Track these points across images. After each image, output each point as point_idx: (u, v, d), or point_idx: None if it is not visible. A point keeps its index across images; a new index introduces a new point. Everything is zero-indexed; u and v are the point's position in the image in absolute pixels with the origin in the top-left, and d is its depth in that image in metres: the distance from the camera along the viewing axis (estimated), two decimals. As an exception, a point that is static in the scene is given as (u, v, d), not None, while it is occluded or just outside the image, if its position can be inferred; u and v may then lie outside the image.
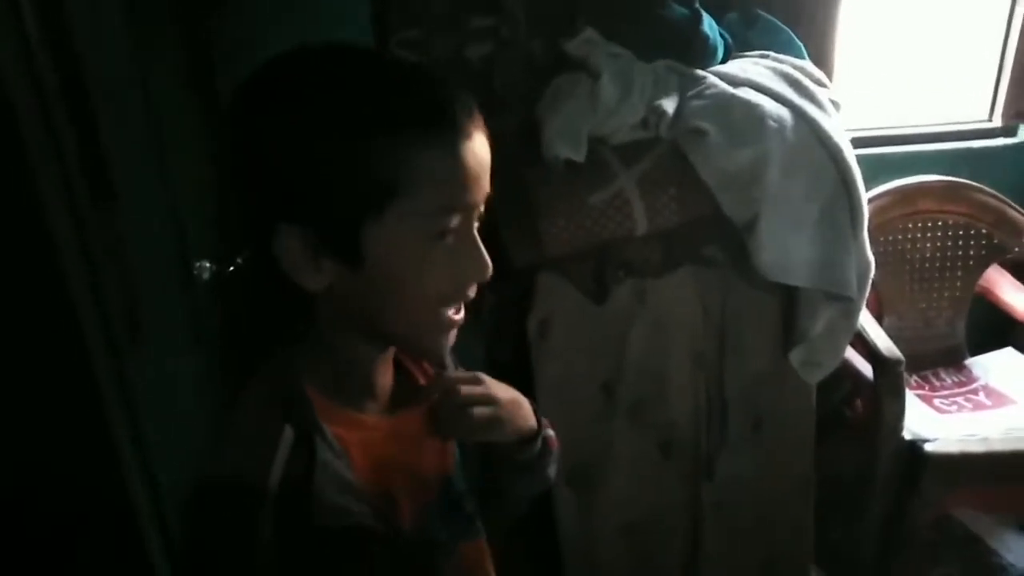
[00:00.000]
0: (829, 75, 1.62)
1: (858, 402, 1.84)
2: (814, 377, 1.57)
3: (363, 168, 0.60)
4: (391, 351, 0.74)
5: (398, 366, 0.76)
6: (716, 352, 1.53)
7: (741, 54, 1.56)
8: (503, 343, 1.52)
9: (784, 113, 1.41)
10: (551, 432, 0.84)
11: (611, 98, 1.37)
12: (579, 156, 1.36)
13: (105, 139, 0.95)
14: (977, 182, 1.96)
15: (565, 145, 1.38)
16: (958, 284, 1.95)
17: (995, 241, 1.93)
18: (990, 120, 2.11)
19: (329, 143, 0.60)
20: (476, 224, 0.67)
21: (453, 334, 0.70)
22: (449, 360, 0.81)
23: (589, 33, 1.49)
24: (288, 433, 0.63)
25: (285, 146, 0.61)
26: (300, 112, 0.61)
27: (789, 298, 1.51)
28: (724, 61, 1.54)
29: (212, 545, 0.62)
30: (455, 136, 0.62)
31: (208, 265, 1.08)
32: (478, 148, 0.64)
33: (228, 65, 1.36)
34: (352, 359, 0.70)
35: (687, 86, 1.44)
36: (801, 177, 1.40)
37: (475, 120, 0.64)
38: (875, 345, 1.62)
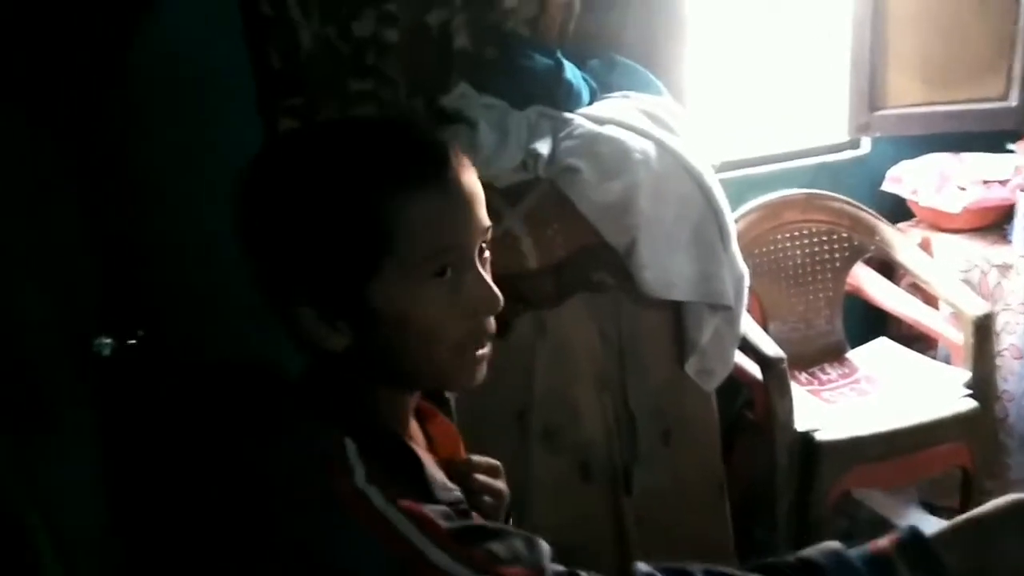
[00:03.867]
0: (685, 107, 1.77)
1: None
2: (710, 384, 1.68)
3: (352, 234, 0.64)
4: (416, 397, 0.76)
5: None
6: (618, 371, 1.62)
7: (605, 96, 1.70)
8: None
9: (648, 146, 1.54)
10: None
11: (489, 145, 1.47)
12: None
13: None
14: (835, 192, 2.16)
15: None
16: (830, 285, 2.13)
17: (855, 243, 2.12)
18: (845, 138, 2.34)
19: (313, 220, 0.64)
20: (483, 258, 0.70)
21: (484, 366, 0.72)
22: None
23: (463, 88, 1.59)
24: (349, 443, 0.64)
25: (277, 234, 0.66)
26: (285, 201, 0.65)
27: (677, 313, 1.63)
28: (591, 103, 1.67)
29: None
30: (433, 180, 0.65)
31: (108, 340, 1.10)
32: (457, 186, 0.66)
33: (111, 137, 1.39)
34: (384, 401, 0.72)
35: (559, 128, 1.55)
36: (670, 202, 1.53)
37: (452, 159, 0.67)
38: (758, 347, 1.75)
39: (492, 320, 0.71)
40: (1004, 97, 2.08)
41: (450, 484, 0.71)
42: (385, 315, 0.66)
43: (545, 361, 1.56)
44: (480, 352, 0.71)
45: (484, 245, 0.71)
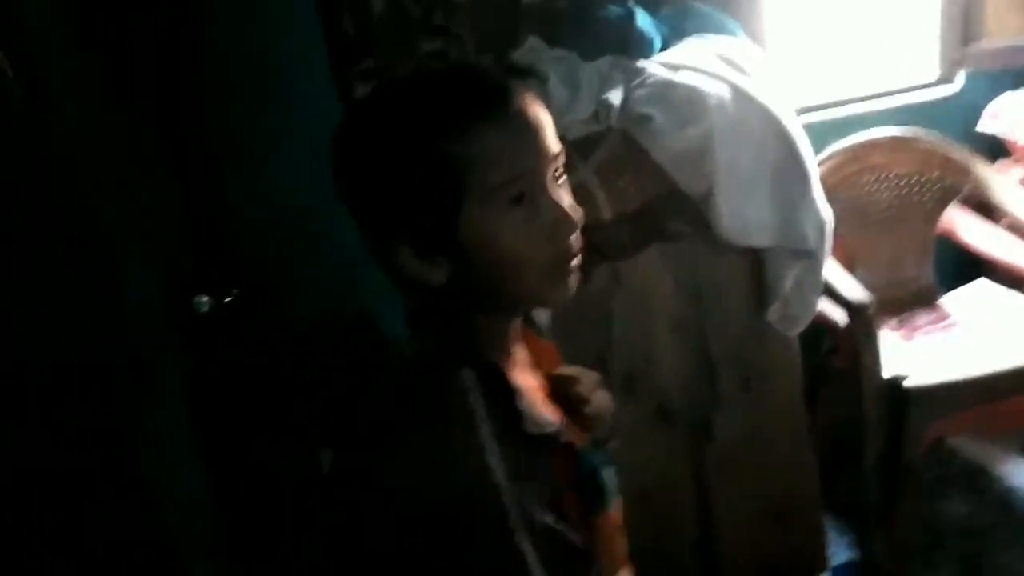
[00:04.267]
0: (762, 48, 1.73)
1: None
2: (793, 330, 1.66)
3: (430, 175, 0.69)
4: (519, 322, 0.81)
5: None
6: (696, 320, 1.62)
7: (679, 42, 1.67)
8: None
9: (723, 90, 1.51)
10: None
11: (561, 98, 1.48)
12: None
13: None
14: (926, 132, 2.06)
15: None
16: (920, 228, 2.05)
17: (946, 184, 2.03)
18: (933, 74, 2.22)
19: (394, 165, 0.70)
20: (559, 183, 0.74)
21: (575, 278, 0.76)
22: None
23: (533, 42, 1.60)
24: (468, 373, 0.71)
25: (366, 181, 0.72)
26: (370, 150, 0.72)
27: (758, 260, 1.61)
28: (663, 50, 1.65)
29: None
30: (494, 113, 0.69)
31: (205, 299, 1.18)
32: (520, 116, 0.70)
33: (196, 103, 1.46)
34: (488, 329, 0.77)
35: (631, 78, 1.54)
36: (748, 146, 1.51)
37: (511, 91, 0.71)
38: (843, 292, 1.71)
39: (578, 235, 0.75)
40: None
41: (544, 419, 0.74)
42: (474, 246, 0.71)
43: (622, 310, 1.58)
44: (571, 266, 0.75)
45: (557, 172, 0.74)
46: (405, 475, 0.68)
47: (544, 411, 0.78)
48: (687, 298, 1.59)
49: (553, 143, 0.73)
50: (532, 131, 0.71)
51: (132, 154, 1.29)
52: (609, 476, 0.84)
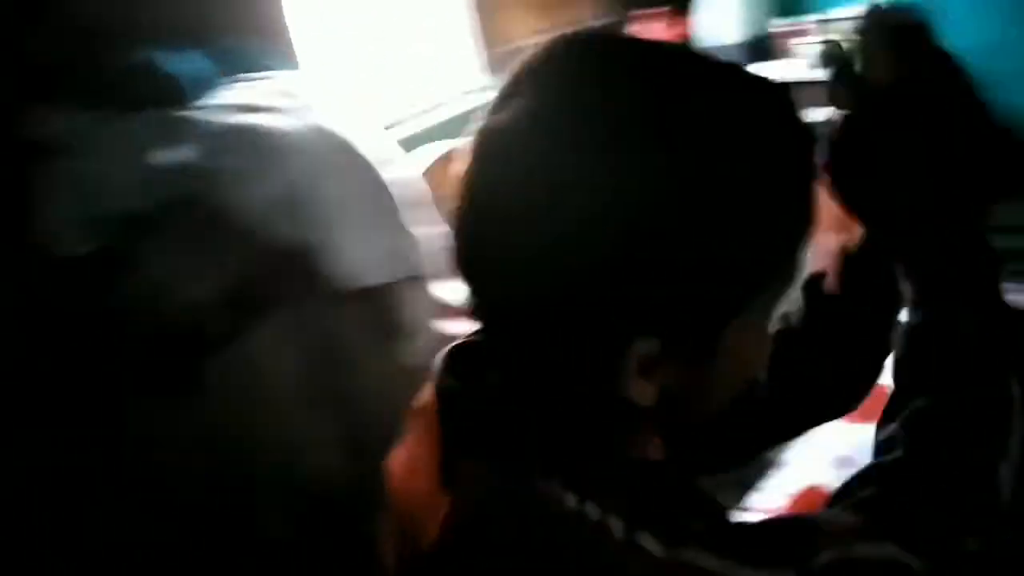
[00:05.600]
0: (320, 76, 1.63)
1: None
2: (424, 360, 1.58)
3: (745, 273, 0.53)
4: None
5: None
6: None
7: (226, 85, 1.48)
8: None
9: (296, 127, 1.37)
10: None
11: (94, 172, 1.19)
12: (87, 246, 1.17)
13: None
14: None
15: (70, 238, 1.18)
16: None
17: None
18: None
19: (715, 247, 0.50)
20: None
21: None
22: None
23: (44, 110, 1.27)
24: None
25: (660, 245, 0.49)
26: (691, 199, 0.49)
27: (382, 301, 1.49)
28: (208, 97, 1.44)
29: None
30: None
31: None
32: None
33: None
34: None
35: (183, 131, 1.31)
36: (338, 183, 1.39)
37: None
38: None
39: None
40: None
41: None
42: (723, 360, 0.55)
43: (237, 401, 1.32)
44: None
45: None
46: None
47: None
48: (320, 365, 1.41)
49: None
50: None
51: None
52: None
